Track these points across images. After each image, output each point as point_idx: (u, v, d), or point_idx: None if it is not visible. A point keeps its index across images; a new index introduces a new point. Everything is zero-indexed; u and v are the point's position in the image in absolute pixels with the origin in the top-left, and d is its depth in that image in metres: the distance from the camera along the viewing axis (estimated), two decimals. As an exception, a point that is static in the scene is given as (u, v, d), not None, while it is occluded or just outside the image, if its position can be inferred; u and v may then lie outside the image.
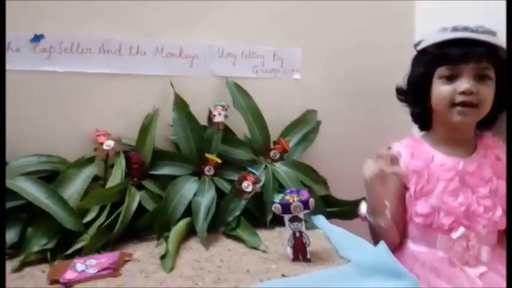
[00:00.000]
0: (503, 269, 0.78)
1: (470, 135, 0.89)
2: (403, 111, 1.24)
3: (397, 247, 0.87)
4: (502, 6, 0.88)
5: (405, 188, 0.87)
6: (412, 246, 0.86)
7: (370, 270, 0.65)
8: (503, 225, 0.82)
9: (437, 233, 0.82)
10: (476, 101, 0.80)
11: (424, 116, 0.91)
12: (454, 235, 0.79)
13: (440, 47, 0.83)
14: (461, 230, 0.79)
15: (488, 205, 0.80)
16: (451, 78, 0.82)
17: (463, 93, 0.79)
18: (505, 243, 0.83)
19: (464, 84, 0.79)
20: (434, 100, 0.85)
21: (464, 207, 0.80)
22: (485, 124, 0.89)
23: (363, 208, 0.86)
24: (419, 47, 0.89)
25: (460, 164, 0.83)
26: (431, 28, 0.89)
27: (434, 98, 0.85)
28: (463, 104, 0.80)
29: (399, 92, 0.95)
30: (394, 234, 0.85)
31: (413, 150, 0.88)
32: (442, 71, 0.82)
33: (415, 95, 0.89)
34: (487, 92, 0.81)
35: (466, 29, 0.81)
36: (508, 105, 0.84)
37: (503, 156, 0.85)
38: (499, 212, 0.80)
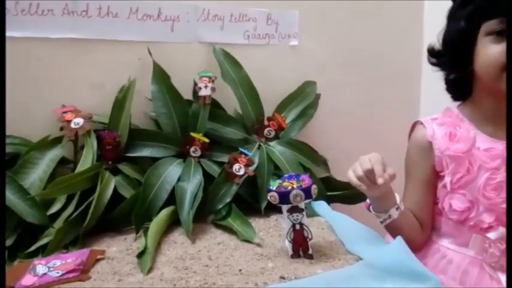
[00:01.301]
0: None
1: None
2: (411, 83, 1.15)
3: (424, 242, 0.76)
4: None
5: (437, 176, 0.74)
6: (440, 241, 0.74)
7: (385, 271, 0.55)
8: None
9: (472, 231, 0.70)
10: None
11: (462, 83, 0.75)
12: (492, 235, 0.68)
13: None
14: (501, 230, 0.67)
15: None
16: (502, 34, 0.65)
17: None
18: None
19: None
20: (480, 63, 0.68)
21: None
22: None
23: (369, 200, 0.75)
24: None
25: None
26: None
27: (481, 60, 0.68)
28: None
29: (431, 53, 0.77)
30: (412, 228, 0.73)
31: (452, 129, 0.73)
32: (490, 25, 0.66)
33: (454, 56, 0.72)
34: None
35: None
36: (507, 106, 0.69)
37: None
38: None
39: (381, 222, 0.71)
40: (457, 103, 0.79)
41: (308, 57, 1.03)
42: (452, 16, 0.73)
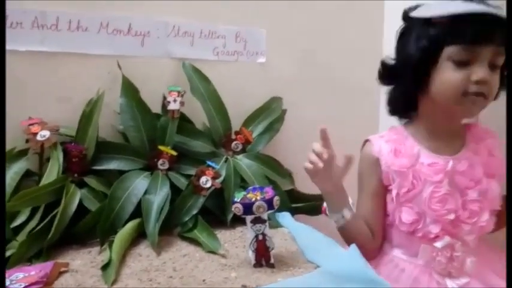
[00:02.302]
0: (491, 278, 0.73)
1: (461, 126, 0.79)
2: (372, 100, 1.20)
3: (374, 251, 0.80)
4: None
5: (385, 189, 0.78)
6: (393, 252, 0.78)
7: (340, 278, 0.58)
8: (489, 228, 0.74)
9: (421, 241, 0.73)
10: (487, 92, 0.69)
11: (410, 103, 0.77)
12: (439, 244, 0.71)
13: (453, 20, 0.68)
14: (447, 239, 0.71)
15: (475, 209, 0.71)
16: (463, 63, 0.68)
17: (477, 82, 0.67)
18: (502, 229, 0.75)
19: (480, 72, 0.67)
20: (440, 86, 0.70)
21: (452, 214, 0.71)
22: None
23: (325, 204, 0.79)
24: (419, 15, 0.72)
25: (449, 163, 0.73)
26: (401, 8, 0.76)
27: (440, 84, 0.70)
28: (476, 94, 0.68)
29: (385, 68, 0.78)
30: (363, 234, 0.77)
31: (397, 145, 0.76)
32: (454, 51, 0.68)
33: (412, 74, 0.73)
34: (496, 82, 0.70)
35: (485, 3, 0.68)
36: (507, 105, 0.75)
37: (497, 149, 0.76)
38: (486, 217, 0.72)
39: (336, 223, 0.76)
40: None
41: (275, 74, 1.05)
42: (409, 34, 0.73)
